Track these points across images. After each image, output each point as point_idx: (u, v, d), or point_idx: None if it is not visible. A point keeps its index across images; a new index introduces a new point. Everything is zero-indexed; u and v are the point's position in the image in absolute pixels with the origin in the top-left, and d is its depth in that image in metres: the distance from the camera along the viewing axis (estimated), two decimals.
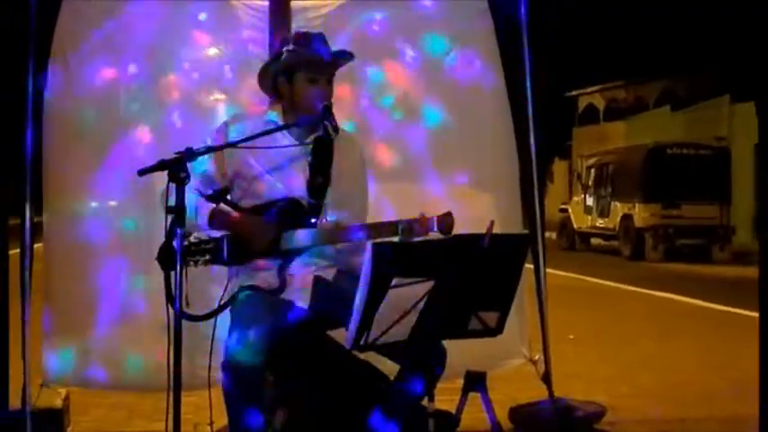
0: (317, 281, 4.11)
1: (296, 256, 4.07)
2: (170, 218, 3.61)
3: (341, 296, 3.89)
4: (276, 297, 4.01)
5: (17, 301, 4.93)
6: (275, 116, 4.19)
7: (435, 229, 3.85)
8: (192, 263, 3.98)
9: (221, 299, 4.06)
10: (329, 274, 4.15)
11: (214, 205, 4.09)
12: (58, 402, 5.23)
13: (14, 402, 4.97)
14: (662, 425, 6.05)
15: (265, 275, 4.04)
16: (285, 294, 4.02)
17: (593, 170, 27.38)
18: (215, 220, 4.04)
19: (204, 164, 4.02)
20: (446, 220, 3.86)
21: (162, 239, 3.85)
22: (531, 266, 5.35)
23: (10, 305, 4.94)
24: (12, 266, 4.98)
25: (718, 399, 6.75)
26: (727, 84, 29.25)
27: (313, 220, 4.07)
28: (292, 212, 4.06)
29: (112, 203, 5.25)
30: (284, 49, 4.15)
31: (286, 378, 4.21)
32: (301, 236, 4.02)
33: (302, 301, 4.05)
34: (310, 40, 4.14)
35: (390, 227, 3.89)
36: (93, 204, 5.24)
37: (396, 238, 3.82)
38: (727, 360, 8.26)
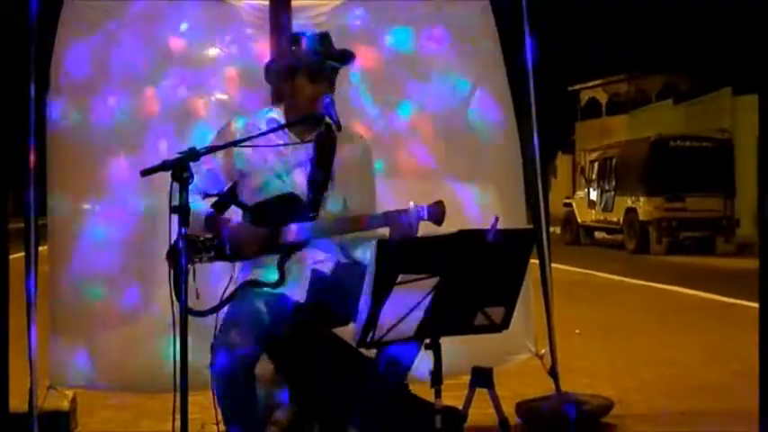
0: (314, 274, 4.15)
1: (295, 250, 4.12)
2: (175, 217, 3.63)
3: (339, 289, 3.99)
4: (274, 291, 4.06)
5: (21, 303, 4.92)
6: (277, 115, 4.24)
7: (425, 215, 3.87)
8: (197, 259, 4.03)
9: (223, 294, 4.11)
10: (327, 267, 4.20)
11: (212, 211, 4.14)
12: (65, 404, 5.24)
13: (22, 405, 4.97)
14: (669, 418, 6.05)
15: (266, 270, 4.09)
16: (283, 288, 4.07)
17: (596, 164, 27.34)
18: (210, 227, 4.11)
19: (209, 163, 4.09)
20: (436, 209, 3.89)
21: (166, 238, 3.88)
22: (536, 261, 5.35)
23: (15, 308, 4.93)
24: (17, 269, 4.98)
25: (724, 392, 6.75)
26: (729, 76, 29.20)
27: (311, 215, 4.13)
28: (290, 208, 4.12)
29: (116, 206, 5.25)
30: (288, 47, 4.21)
31: (288, 373, 4.23)
32: (300, 229, 4.07)
33: (299, 295, 4.11)
34: (311, 41, 4.17)
35: (376, 219, 3.95)
36: (97, 206, 5.25)
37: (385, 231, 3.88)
38: (734, 353, 8.25)
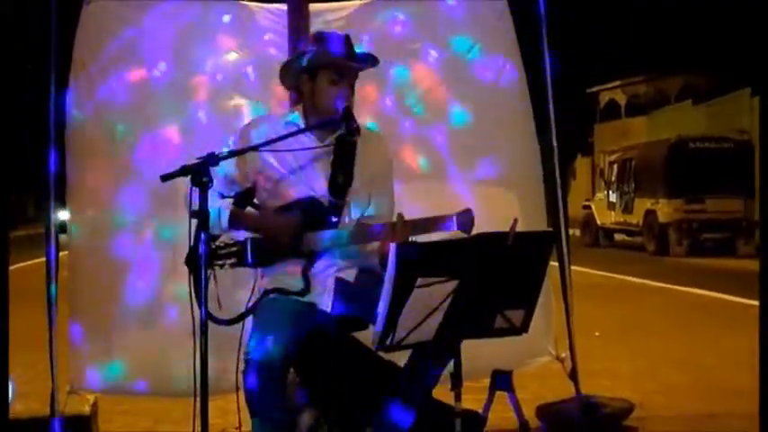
0: (338, 283, 4.12)
1: (319, 258, 4.09)
2: (195, 222, 3.63)
3: (363, 296, 3.93)
4: (299, 299, 4.03)
5: (43, 308, 4.94)
6: (296, 117, 4.19)
7: (455, 226, 3.84)
8: (218, 266, 4.01)
9: (248, 302, 4.09)
10: (351, 275, 4.16)
11: (233, 207, 4.10)
12: (86, 409, 5.25)
13: (43, 409, 4.99)
14: (690, 420, 6.03)
15: (290, 277, 4.05)
16: (309, 296, 4.04)
17: (615, 166, 27.29)
18: (235, 222, 4.06)
19: (226, 167, 4.03)
20: (465, 217, 3.84)
21: (188, 244, 3.87)
22: (556, 264, 5.34)
23: (36, 312, 4.95)
24: (39, 274, 4.99)
25: (745, 393, 6.69)
26: (749, 76, 29.06)
27: (334, 219, 4.08)
28: (313, 212, 4.07)
29: (137, 210, 5.26)
30: (309, 47, 4.15)
31: (311, 380, 4.22)
32: (324, 237, 4.03)
33: (324, 304, 4.07)
34: (335, 42, 4.13)
35: (410, 225, 3.89)
36: (119, 211, 5.26)
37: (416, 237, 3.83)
38: (754, 354, 8.19)
